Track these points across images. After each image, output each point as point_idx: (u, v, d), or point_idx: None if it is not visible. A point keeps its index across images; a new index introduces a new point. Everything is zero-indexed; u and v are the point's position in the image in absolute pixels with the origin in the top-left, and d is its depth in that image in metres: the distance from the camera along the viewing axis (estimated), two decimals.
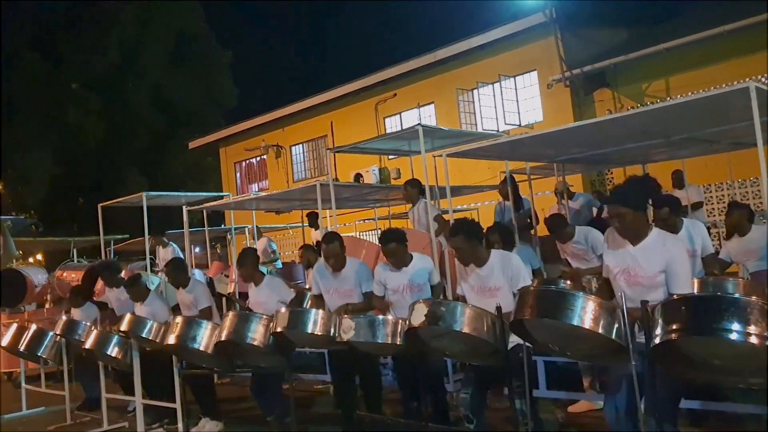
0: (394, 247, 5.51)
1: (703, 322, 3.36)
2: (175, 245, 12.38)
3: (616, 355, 3.82)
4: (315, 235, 12.14)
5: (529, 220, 9.25)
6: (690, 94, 10.93)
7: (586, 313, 3.68)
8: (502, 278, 4.77)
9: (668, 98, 12.61)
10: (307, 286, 8.43)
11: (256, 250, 7.30)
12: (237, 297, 10.15)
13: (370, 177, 17.43)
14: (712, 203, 12.96)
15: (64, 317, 8.19)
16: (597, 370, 6.22)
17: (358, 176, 17.57)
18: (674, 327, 3.40)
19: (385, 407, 6.38)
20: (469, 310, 4.31)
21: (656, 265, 3.86)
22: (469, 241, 4.79)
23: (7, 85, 28.60)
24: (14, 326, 8.46)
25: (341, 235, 6.14)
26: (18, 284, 11.69)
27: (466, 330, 4.25)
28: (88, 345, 7.09)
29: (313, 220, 12.28)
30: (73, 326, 7.68)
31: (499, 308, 4.18)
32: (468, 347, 4.60)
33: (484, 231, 5.20)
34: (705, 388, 4.94)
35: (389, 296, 5.68)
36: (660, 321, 3.47)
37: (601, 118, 6.69)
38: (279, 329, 5.31)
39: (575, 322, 3.69)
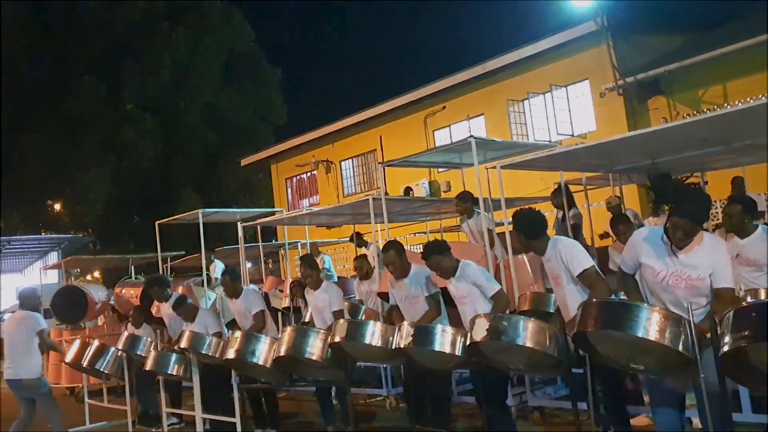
0: (437, 258, 5.30)
1: None
2: (219, 262, 12.56)
3: (684, 369, 3.72)
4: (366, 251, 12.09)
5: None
6: (749, 99, 10.66)
7: (651, 324, 3.61)
8: (560, 265, 4.70)
9: (726, 104, 12.29)
10: (357, 298, 8.43)
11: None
12: (292, 311, 10.20)
13: (420, 190, 17.42)
14: None
15: (126, 332, 8.35)
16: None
17: (407, 190, 17.56)
18: (744, 334, 3.35)
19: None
20: (532, 324, 4.24)
21: (706, 267, 3.88)
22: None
23: (67, 108, 29.61)
24: (77, 342, 8.68)
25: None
26: (79, 301, 11.99)
27: (529, 344, 4.19)
28: (148, 366, 7.21)
29: (360, 239, 12.17)
30: (135, 342, 7.82)
31: (562, 321, 4.10)
32: (531, 360, 4.54)
33: None
34: None
35: None
36: (729, 329, 3.41)
37: (659, 127, 6.59)
38: (337, 339, 5.31)
39: (640, 334, 3.61)
